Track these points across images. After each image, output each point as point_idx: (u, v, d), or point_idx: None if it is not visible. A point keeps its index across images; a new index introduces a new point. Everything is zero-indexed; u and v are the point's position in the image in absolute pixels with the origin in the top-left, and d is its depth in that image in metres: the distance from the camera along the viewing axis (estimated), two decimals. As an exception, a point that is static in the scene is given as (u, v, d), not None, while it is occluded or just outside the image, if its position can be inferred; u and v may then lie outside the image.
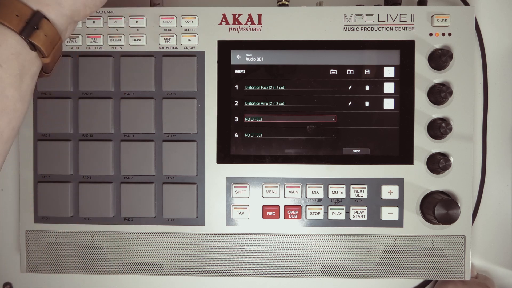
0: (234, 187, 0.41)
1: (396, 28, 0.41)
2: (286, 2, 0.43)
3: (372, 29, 0.41)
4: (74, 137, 0.42)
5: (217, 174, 0.41)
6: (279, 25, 0.41)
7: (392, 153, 0.41)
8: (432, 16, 0.41)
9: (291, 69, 0.41)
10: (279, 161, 0.41)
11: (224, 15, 0.41)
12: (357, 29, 0.41)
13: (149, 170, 0.41)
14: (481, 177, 0.46)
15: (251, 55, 0.41)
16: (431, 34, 0.41)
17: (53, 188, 0.41)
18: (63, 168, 0.41)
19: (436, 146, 0.41)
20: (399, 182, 0.41)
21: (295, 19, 0.41)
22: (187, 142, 0.41)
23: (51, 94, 0.42)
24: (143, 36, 0.41)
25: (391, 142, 0.41)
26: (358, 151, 0.41)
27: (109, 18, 0.41)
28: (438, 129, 0.40)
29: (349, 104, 0.41)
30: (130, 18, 0.41)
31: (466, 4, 0.45)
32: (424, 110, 0.41)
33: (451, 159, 0.40)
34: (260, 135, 0.41)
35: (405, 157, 0.41)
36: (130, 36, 0.41)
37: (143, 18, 0.41)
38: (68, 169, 0.41)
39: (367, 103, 0.41)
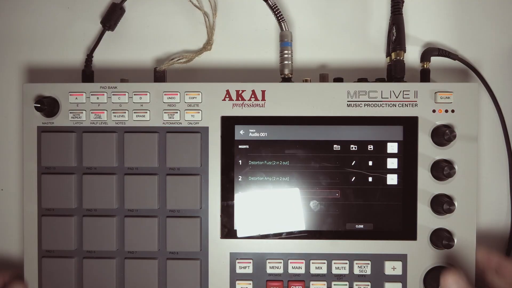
0: (238, 262, 0.41)
1: (399, 105, 0.41)
2: (290, 75, 0.43)
3: (375, 105, 0.41)
4: (78, 213, 0.42)
5: (220, 249, 0.41)
6: (283, 101, 0.41)
7: (395, 228, 0.41)
8: (435, 93, 0.41)
9: (294, 145, 0.41)
10: (282, 236, 0.41)
11: (227, 91, 0.41)
12: (361, 105, 0.41)
13: (153, 246, 0.41)
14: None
15: (254, 130, 0.42)
16: (434, 111, 0.41)
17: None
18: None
19: (439, 223, 0.41)
20: (402, 258, 0.41)
21: (298, 95, 0.41)
22: (190, 218, 0.41)
23: (55, 170, 0.42)
24: (146, 112, 0.41)
25: (394, 217, 0.41)
26: (361, 226, 0.41)
27: (113, 94, 0.41)
28: (441, 206, 0.40)
29: (352, 180, 0.41)
30: (134, 94, 0.41)
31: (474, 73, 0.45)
32: (427, 187, 0.41)
33: (455, 238, 0.40)
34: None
35: (409, 232, 0.41)
36: (134, 112, 0.41)
37: (146, 94, 0.41)
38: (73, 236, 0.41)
39: (370, 179, 0.41)
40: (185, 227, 0.41)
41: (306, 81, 0.43)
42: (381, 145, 0.41)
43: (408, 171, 0.41)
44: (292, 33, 0.43)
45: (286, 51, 0.43)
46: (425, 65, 0.44)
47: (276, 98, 0.41)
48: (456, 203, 0.40)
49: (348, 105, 0.41)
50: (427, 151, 0.41)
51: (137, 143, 0.41)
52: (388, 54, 0.45)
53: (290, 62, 0.43)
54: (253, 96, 0.41)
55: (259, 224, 0.42)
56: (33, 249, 0.42)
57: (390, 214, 0.41)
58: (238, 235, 0.42)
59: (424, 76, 0.44)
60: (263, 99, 0.41)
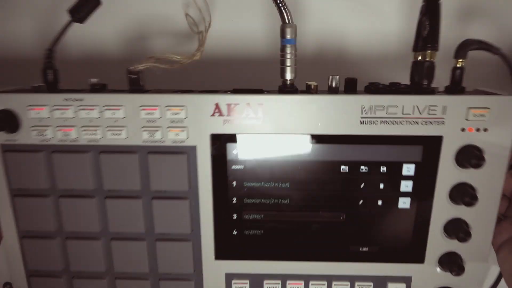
0: (234, 283, 0.40)
1: (423, 122, 0.34)
2: (292, 81, 0.36)
3: (394, 122, 0.34)
4: (61, 235, 0.39)
5: (215, 270, 0.39)
6: (283, 116, 0.35)
7: (402, 251, 0.38)
8: (468, 108, 0.34)
9: (296, 166, 0.36)
10: (280, 257, 0.39)
11: (217, 105, 0.34)
12: (376, 122, 0.34)
13: (144, 267, 0.39)
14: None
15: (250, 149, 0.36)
16: (463, 130, 0.34)
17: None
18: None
19: (450, 246, 0.38)
20: (406, 280, 0.39)
21: (302, 109, 0.34)
22: (182, 242, 0.38)
23: (28, 192, 0.37)
24: (122, 130, 0.35)
25: (402, 240, 0.38)
26: (366, 249, 0.38)
27: (80, 109, 0.35)
28: (457, 232, 0.36)
29: (359, 203, 0.37)
30: (105, 109, 0.35)
31: None
32: (442, 210, 0.37)
33: (465, 265, 0.38)
34: (260, 232, 0.38)
35: (416, 256, 0.38)
36: (108, 130, 0.35)
37: (120, 109, 0.34)
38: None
39: (380, 202, 0.37)
40: (176, 250, 0.38)
41: (310, 87, 0.36)
42: (395, 167, 0.36)
43: (423, 195, 0.36)
44: (297, 26, 0.34)
45: (288, 51, 0.34)
46: (459, 63, 0.36)
47: (275, 113, 0.35)
48: (472, 232, 0.36)
49: (362, 122, 0.34)
50: (448, 173, 0.36)
51: (115, 164, 0.36)
52: (416, 49, 0.37)
53: (293, 65, 0.35)
54: (247, 110, 0.34)
55: (256, 245, 0.39)
56: (20, 270, 0.40)
57: (398, 237, 0.38)
58: (234, 256, 0.39)
59: (457, 76, 0.36)
60: (260, 114, 0.35)
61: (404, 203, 0.37)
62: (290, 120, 0.35)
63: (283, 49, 0.35)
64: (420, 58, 0.35)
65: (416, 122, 0.34)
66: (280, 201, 0.37)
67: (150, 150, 0.36)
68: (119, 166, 0.36)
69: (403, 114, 0.34)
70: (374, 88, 0.35)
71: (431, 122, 0.34)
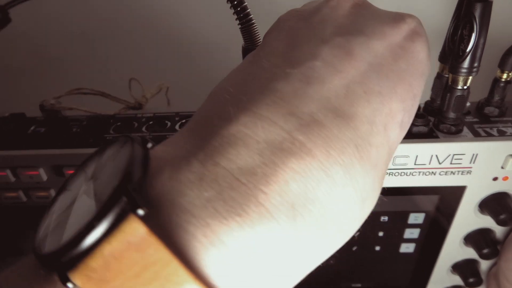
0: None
1: (442, 173, 0.25)
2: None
3: (402, 174, 0.25)
4: None
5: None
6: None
7: (400, 285, 0.34)
8: (508, 156, 0.24)
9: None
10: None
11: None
12: (378, 174, 0.26)
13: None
14: None
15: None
16: (495, 179, 0.25)
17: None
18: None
19: (456, 281, 0.33)
20: (402, 309, 0.36)
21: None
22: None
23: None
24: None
25: (401, 278, 0.33)
26: (359, 285, 0.34)
27: (-15, 175, 0.26)
28: (467, 277, 0.31)
29: (353, 249, 0.31)
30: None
31: None
32: (452, 253, 0.31)
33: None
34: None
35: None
36: None
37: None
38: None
39: (377, 248, 0.31)
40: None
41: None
42: (399, 216, 0.28)
43: (432, 241, 0.30)
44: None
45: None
46: (504, 76, 0.25)
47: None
48: (483, 278, 0.31)
49: (358, 175, 0.26)
50: (467, 220, 0.28)
51: None
52: (443, 61, 0.25)
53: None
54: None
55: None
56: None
57: (396, 276, 0.33)
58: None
59: (498, 94, 0.26)
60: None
61: (407, 248, 0.31)
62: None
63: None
64: (450, 80, 0.24)
65: (433, 173, 0.25)
66: (257, 249, 0.31)
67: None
68: None
69: (415, 165, 0.25)
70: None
71: (453, 173, 0.25)
